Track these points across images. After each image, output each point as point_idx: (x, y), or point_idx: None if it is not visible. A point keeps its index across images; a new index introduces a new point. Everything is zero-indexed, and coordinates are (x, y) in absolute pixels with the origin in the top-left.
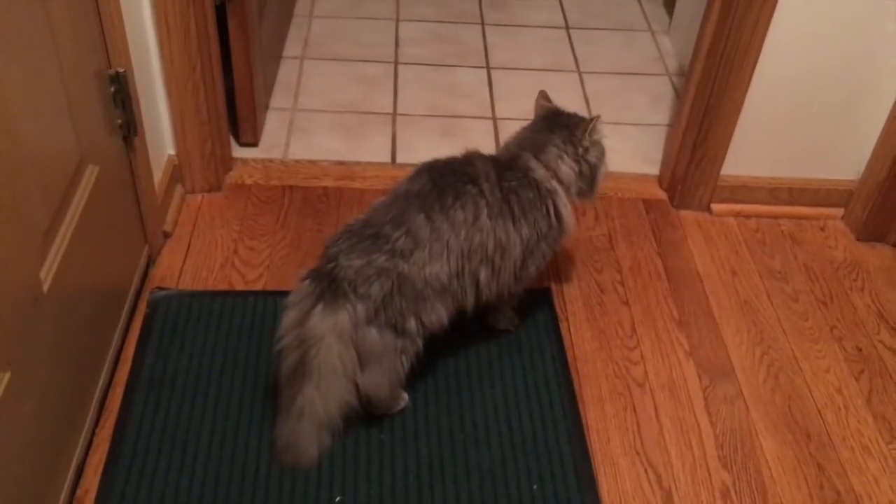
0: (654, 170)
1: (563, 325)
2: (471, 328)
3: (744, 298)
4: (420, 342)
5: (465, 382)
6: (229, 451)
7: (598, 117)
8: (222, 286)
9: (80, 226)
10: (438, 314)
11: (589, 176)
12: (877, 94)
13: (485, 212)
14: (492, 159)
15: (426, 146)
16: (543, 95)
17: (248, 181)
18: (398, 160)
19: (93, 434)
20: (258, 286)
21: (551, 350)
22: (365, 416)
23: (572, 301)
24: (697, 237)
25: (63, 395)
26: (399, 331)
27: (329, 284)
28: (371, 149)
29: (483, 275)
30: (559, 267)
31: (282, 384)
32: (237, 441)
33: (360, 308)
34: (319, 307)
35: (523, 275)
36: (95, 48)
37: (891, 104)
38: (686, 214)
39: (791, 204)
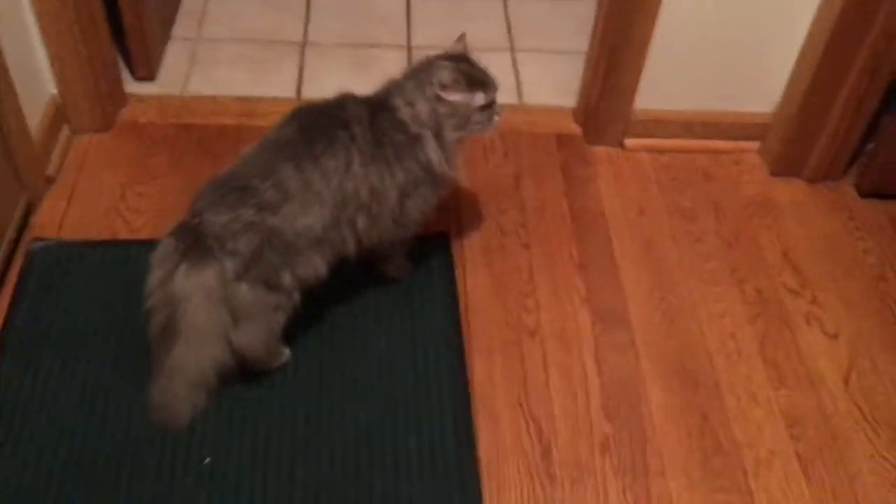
0: (572, 102)
1: (458, 272)
2: (359, 277)
3: (648, 239)
4: (297, 296)
5: (349, 335)
6: (101, 413)
7: (444, 72)
8: (106, 235)
9: None
10: (315, 266)
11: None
12: (791, 24)
13: (357, 158)
14: (366, 101)
15: (334, 79)
16: (461, 38)
17: (142, 120)
18: (303, 95)
19: None
20: (144, 234)
21: (443, 299)
22: (242, 373)
23: (471, 245)
24: (608, 175)
25: None
26: (272, 286)
27: (194, 241)
28: (277, 83)
29: (360, 222)
30: (459, 208)
31: (152, 344)
32: (109, 402)
33: (229, 264)
34: (184, 266)
35: (405, 221)
36: None
37: (804, 34)
38: (599, 150)
39: (706, 138)
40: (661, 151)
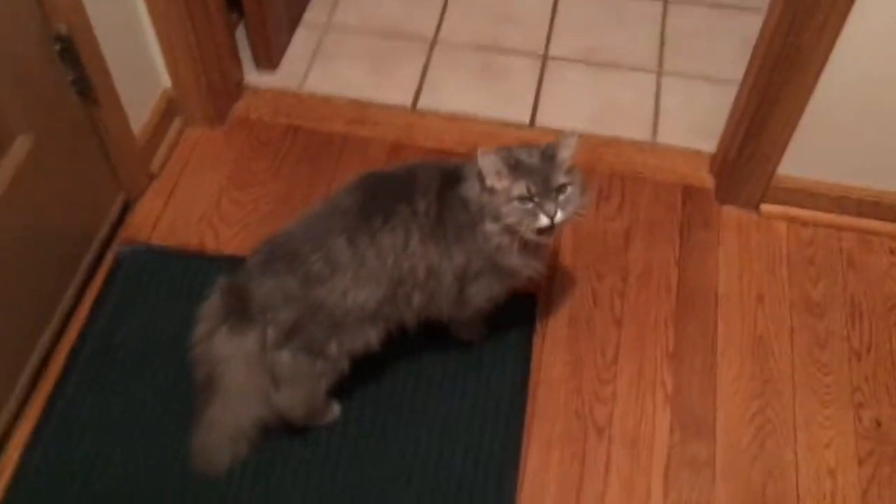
0: (711, 145)
1: (537, 343)
2: (428, 334)
3: (760, 334)
4: (344, 363)
5: (407, 399)
6: (148, 445)
7: (480, 155)
8: (194, 242)
9: (10, 194)
10: (366, 338)
11: None
12: None
13: (416, 235)
14: (440, 171)
15: (455, 87)
16: (572, 135)
17: (253, 116)
18: (420, 104)
19: (23, 404)
20: (229, 248)
21: (513, 374)
22: (286, 427)
23: (557, 313)
24: (732, 244)
25: None
26: (316, 354)
27: (237, 303)
28: (396, 85)
29: (416, 300)
30: (554, 266)
31: (195, 391)
32: (159, 435)
33: (270, 332)
34: (225, 327)
35: (466, 305)
36: (31, 7)
37: None
38: (729, 212)
39: (860, 216)
40: (804, 224)
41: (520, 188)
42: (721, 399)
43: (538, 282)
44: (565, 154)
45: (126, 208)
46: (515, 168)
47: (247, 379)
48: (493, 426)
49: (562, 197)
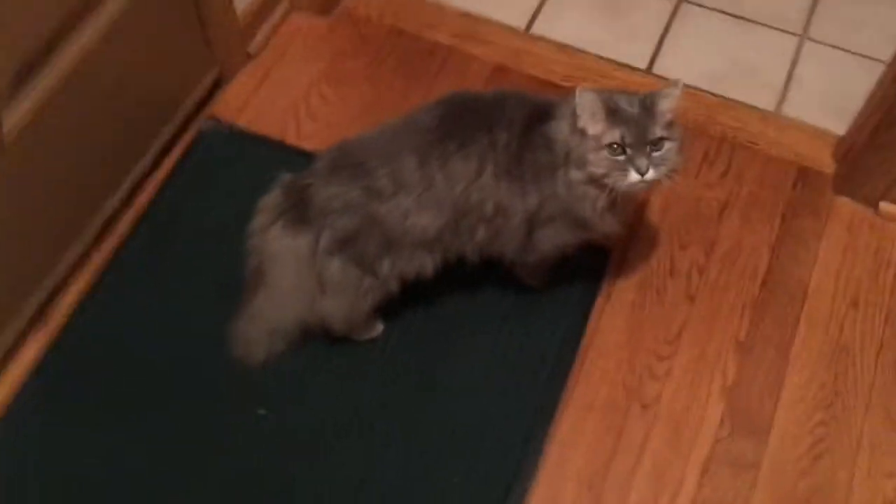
0: (841, 127)
1: (599, 302)
2: (489, 270)
3: (844, 342)
4: (394, 284)
5: (452, 332)
6: (196, 323)
7: (579, 92)
8: (276, 131)
9: (101, 51)
10: (421, 263)
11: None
12: None
13: (491, 168)
14: (529, 104)
15: (576, 16)
16: (676, 83)
17: (361, 12)
18: (534, 28)
19: (84, 257)
20: (309, 143)
21: (566, 330)
22: (329, 334)
23: (628, 275)
24: (838, 239)
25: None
26: (367, 269)
27: (297, 203)
28: (513, 3)
29: (480, 234)
30: (636, 225)
31: (246, 278)
32: (207, 314)
33: (324, 237)
34: (280, 224)
35: (533, 249)
36: None
37: None
38: (843, 203)
39: None
40: None
41: (612, 136)
42: (783, 402)
43: (614, 238)
44: (666, 105)
45: (218, 85)
46: (613, 114)
47: (293, 278)
48: (534, 378)
49: (657, 153)
